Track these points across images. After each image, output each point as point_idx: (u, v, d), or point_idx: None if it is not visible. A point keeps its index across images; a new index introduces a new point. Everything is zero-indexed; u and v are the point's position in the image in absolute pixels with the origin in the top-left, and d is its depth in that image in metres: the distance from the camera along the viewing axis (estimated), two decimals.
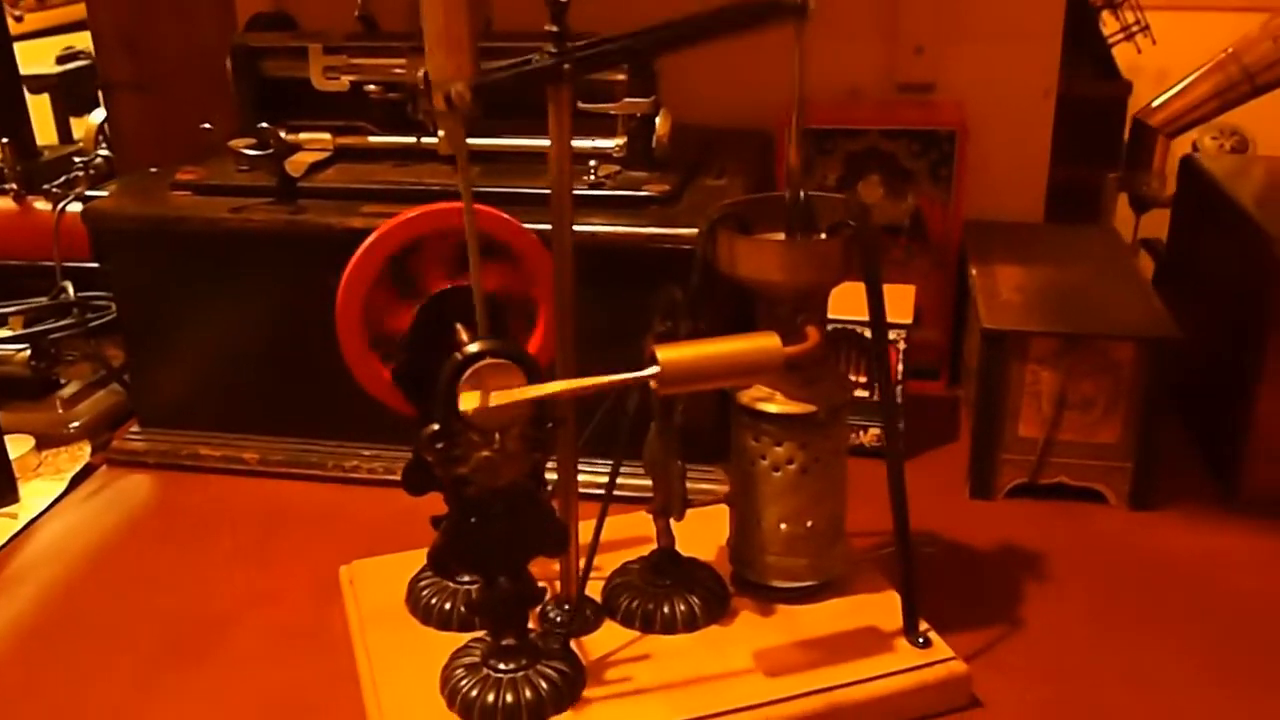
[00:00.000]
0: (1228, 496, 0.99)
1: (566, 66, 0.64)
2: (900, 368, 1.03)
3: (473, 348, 0.65)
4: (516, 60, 0.65)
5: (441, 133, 1.02)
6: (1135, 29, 1.77)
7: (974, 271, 1.06)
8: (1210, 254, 1.12)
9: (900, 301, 1.04)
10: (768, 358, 0.66)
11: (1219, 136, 1.76)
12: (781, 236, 0.76)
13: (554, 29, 0.65)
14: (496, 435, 0.66)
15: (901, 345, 1.02)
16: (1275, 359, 0.93)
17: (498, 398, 0.64)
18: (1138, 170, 1.49)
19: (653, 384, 0.65)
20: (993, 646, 0.81)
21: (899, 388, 1.04)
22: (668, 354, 0.65)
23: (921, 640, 0.76)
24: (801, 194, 0.74)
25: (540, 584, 0.73)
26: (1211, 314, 1.08)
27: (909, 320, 1.02)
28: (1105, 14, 1.76)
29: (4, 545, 0.97)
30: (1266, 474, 0.96)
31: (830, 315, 0.88)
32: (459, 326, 0.73)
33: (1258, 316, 0.94)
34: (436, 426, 0.66)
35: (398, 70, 1.03)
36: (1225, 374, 1.01)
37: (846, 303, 0.80)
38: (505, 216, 0.76)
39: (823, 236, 0.75)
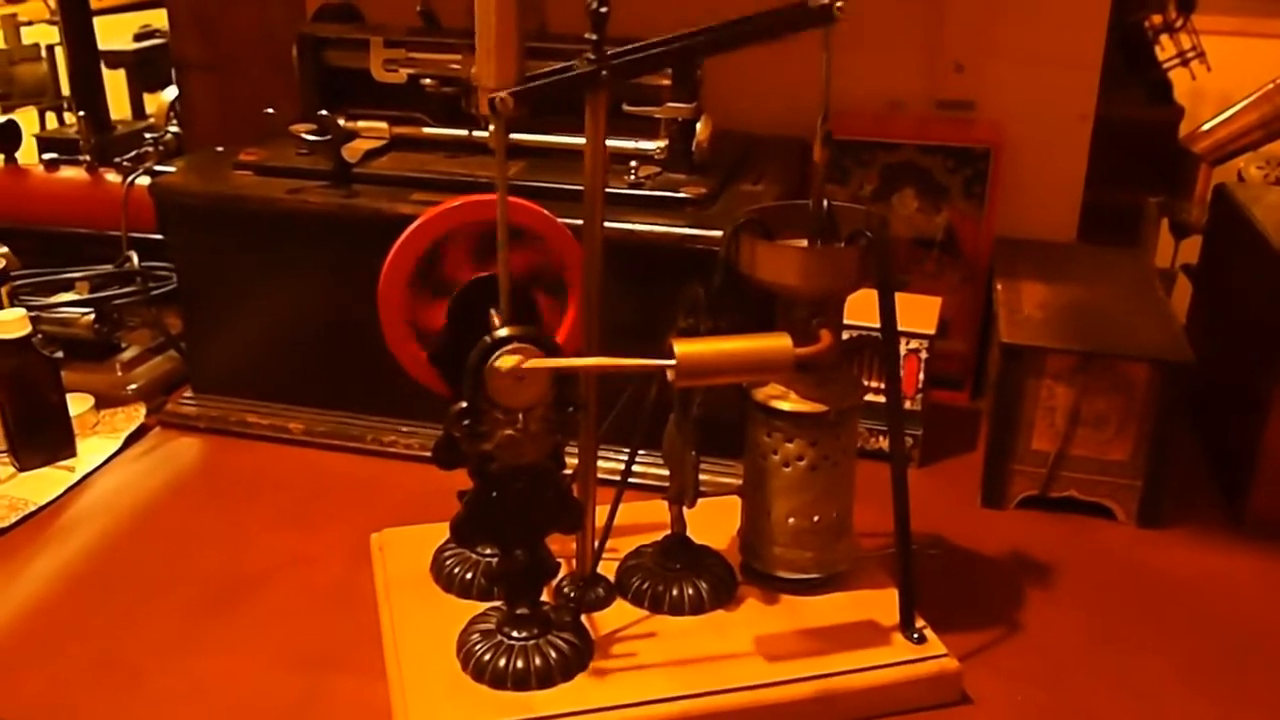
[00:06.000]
0: (1236, 519, 1.00)
1: (603, 73, 0.68)
2: (921, 376, 1.06)
3: (501, 332, 0.69)
4: (558, 67, 0.69)
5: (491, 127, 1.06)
6: (1191, 55, 1.76)
7: (999, 287, 1.08)
8: (1236, 281, 1.13)
9: (925, 312, 1.06)
10: (779, 357, 0.69)
11: (1265, 166, 1.75)
12: (803, 243, 0.79)
13: (593, 37, 0.68)
14: (520, 416, 0.70)
15: (924, 355, 1.05)
16: None
17: (526, 365, 0.68)
18: (1179, 196, 1.49)
19: (669, 375, 0.69)
20: (989, 648, 0.83)
21: (919, 396, 1.06)
22: (685, 348, 0.69)
23: (916, 636, 0.79)
24: (825, 203, 0.78)
25: (557, 560, 0.77)
26: (1234, 339, 1.09)
27: (932, 330, 1.04)
28: (1164, 38, 1.76)
29: (60, 496, 1.02)
30: (1274, 499, 0.97)
31: (852, 321, 0.91)
32: (492, 312, 0.76)
33: (1273, 343, 0.95)
34: (465, 404, 0.70)
35: (454, 66, 1.08)
36: (1242, 399, 1.03)
37: (870, 310, 0.83)
38: (523, 202, 0.80)
39: (841, 245, 0.78)
